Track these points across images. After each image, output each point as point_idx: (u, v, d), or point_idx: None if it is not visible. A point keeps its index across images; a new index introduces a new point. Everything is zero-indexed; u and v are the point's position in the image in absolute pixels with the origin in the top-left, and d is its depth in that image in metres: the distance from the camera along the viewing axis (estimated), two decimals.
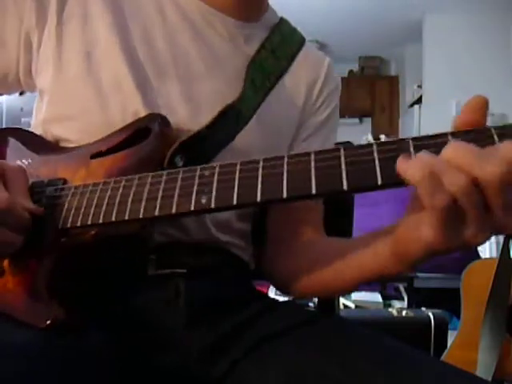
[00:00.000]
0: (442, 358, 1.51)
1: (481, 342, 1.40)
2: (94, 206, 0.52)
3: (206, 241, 0.65)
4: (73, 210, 0.54)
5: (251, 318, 0.63)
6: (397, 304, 2.39)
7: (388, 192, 1.96)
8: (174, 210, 0.48)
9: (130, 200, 0.51)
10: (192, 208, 0.47)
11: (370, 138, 4.17)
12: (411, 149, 0.41)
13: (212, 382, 0.59)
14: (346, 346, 0.56)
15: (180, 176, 0.49)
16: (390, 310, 1.71)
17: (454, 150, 0.38)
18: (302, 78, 0.74)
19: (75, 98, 0.63)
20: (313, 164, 0.43)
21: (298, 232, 0.71)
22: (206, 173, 0.48)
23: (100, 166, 0.59)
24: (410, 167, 0.39)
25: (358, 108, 5.85)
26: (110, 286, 0.59)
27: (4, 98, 4.72)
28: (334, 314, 0.86)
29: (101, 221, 0.51)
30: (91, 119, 0.63)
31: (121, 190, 0.52)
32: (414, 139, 0.41)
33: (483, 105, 0.42)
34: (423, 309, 1.72)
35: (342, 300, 2.24)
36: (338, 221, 0.82)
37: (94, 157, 0.60)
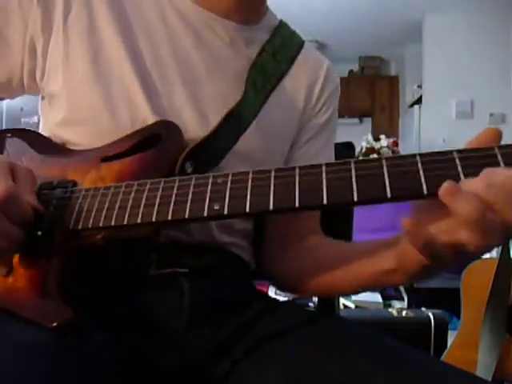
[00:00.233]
0: (442, 358, 1.51)
1: (481, 342, 1.39)
2: (105, 209, 0.53)
3: (208, 241, 0.65)
4: (84, 212, 0.54)
5: (252, 318, 0.63)
6: (397, 304, 2.39)
7: None
8: (187, 215, 0.48)
9: (142, 204, 0.51)
10: (205, 214, 0.48)
11: (370, 139, 4.17)
12: (419, 164, 0.42)
13: (213, 383, 0.59)
14: (345, 346, 0.56)
15: (193, 182, 0.50)
16: (390, 310, 1.71)
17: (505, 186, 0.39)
18: (302, 81, 0.75)
19: (85, 104, 0.64)
20: (324, 175, 0.45)
21: (299, 232, 0.71)
22: (219, 180, 0.49)
23: (110, 170, 0.59)
24: (463, 204, 0.39)
25: (358, 108, 5.85)
26: (113, 287, 0.59)
27: None
28: (334, 314, 0.86)
29: (113, 223, 0.52)
30: (101, 125, 0.63)
31: (133, 194, 0.52)
32: (421, 155, 0.43)
33: (496, 137, 0.43)
34: (423, 309, 1.72)
35: (342, 300, 2.24)
36: (338, 222, 0.82)
37: (104, 160, 0.60)
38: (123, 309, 0.60)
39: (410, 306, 2.22)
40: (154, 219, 0.50)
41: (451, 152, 0.42)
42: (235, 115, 0.65)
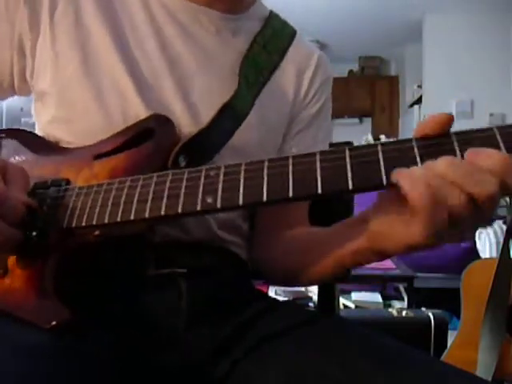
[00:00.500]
0: (442, 358, 1.51)
1: (481, 342, 1.40)
2: (98, 206, 0.52)
3: (207, 239, 0.65)
4: (77, 210, 0.54)
5: (252, 318, 0.63)
6: (397, 304, 2.39)
7: None
8: (180, 210, 0.48)
9: (135, 200, 0.51)
10: (198, 208, 0.47)
11: (370, 138, 4.17)
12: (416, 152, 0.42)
13: (213, 383, 0.59)
14: (346, 346, 0.56)
15: (185, 176, 0.50)
16: (389, 310, 1.71)
17: (449, 166, 0.39)
18: (292, 72, 0.74)
19: (75, 101, 0.64)
20: (318, 164, 0.44)
21: (287, 222, 0.71)
22: (212, 173, 0.48)
23: (104, 167, 0.59)
24: (413, 187, 0.40)
25: (358, 108, 5.86)
26: (111, 286, 0.59)
27: None
28: (334, 314, 0.86)
29: (106, 221, 0.51)
30: (92, 121, 0.63)
31: (126, 191, 0.52)
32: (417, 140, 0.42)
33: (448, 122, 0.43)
34: (423, 309, 1.72)
35: (342, 300, 2.24)
36: (337, 220, 0.82)
37: (97, 157, 0.60)
38: (122, 309, 0.59)
39: (410, 306, 2.21)
40: (147, 215, 0.49)
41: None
42: (229, 109, 0.65)
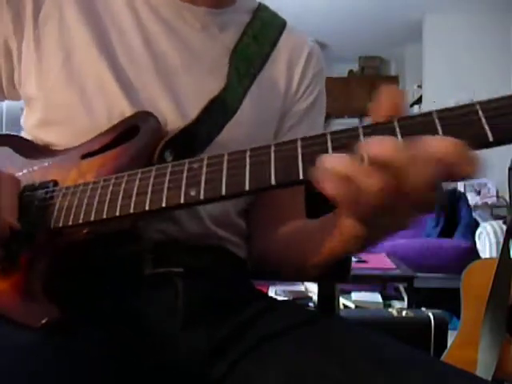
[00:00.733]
0: (442, 358, 1.51)
1: (481, 341, 1.40)
2: (85, 205, 0.53)
3: (202, 235, 0.65)
4: (64, 210, 0.54)
5: (251, 318, 0.63)
6: (397, 304, 2.39)
7: None
8: (164, 204, 0.48)
9: (120, 197, 0.51)
10: (182, 201, 0.47)
11: None
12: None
13: (212, 383, 0.59)
14: (346, 346, 0.56)
15: (169, 170, 0.50)
16: (389, 310, 1.71)
17: (378, 146, 0.38)
18: (283, 63, 0.72)
19: (59, 103, 0.64)
20: (299, 150, 0.44)
21: (282, 216, 0.70)
22: (195, 165, 0.48)
23: (91, 166, 0.59)
24: (326, 181, 0.39)
25: (358, 108, 5.85)
26: (107, 286, 0.59)
27: None
28: (334, 314, 0.86)
29: (92, 218, 0.52)
30: (77, 123, 0.63)
31: (111, 188, 0.52)
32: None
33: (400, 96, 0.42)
34: (423, 309, 1.72)
35: (342, 300, 2.24)
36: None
37: (84, 157, 0.60)
38: (116, 308, 0.59)
39: (410, 305, 2.21)
40: (132, 210, 0.49)
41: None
42: (219, 103, 0.64)
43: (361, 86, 5.86)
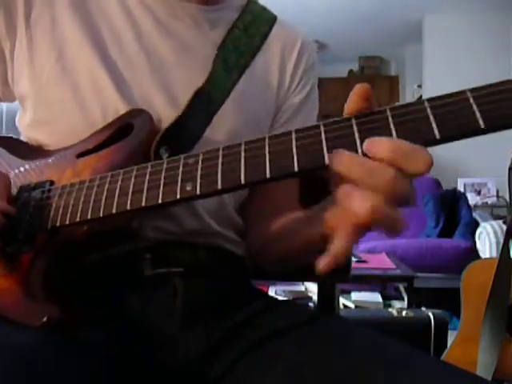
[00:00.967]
0: (442, 357, 1.51)
1: (481, 341, 1.40)
2: (81, 203, 0.53)
3: (200, 231, 0.65)
4: (61, 209, 0.54)
5: (251, 317, 0.63)
6: (397, 304, 2.39)
7: None
8: (160, 200, 0.48)
9: (116, 194, 0.51)
10: (178, 196, 0.47)
11: None
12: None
13: (211, 382, 0.59)
14: (346, 346, 0.56)
15: (164, 166, 0.50)
16: (389, 310, 1.71)
17: (390, 146, 0.40)
18: (275, 58, 0.73)
19: (53, 102, 0.64)
20: (294, 142, 0.44)
21: (276, 207, 0.70)
22: (190, 161, 0.48)
23: (86, 165, 0.59)
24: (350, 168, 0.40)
25: None
26: (106, 286, 0.59)
27: None
28: (334, 313, 0.86)
29: (89, 217, 0.52)
30: (72, 121, 0.63)
31: (107, 186, 0.52)
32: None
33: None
34: (423, 309, 1.72)
35: (342, 300, 2.24)
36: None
37: (79, 156, 0.60)
38: (115, 308, 0.59)
39: (409, 305, 2.21)
40: (128, 207, 0.49)
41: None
42: (204, 94, 0.64)
43: None
